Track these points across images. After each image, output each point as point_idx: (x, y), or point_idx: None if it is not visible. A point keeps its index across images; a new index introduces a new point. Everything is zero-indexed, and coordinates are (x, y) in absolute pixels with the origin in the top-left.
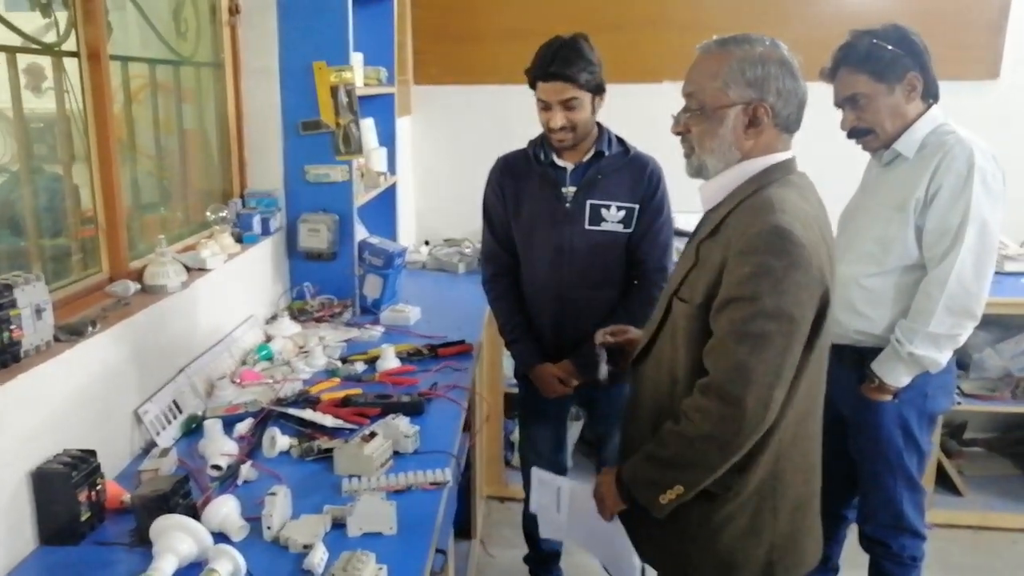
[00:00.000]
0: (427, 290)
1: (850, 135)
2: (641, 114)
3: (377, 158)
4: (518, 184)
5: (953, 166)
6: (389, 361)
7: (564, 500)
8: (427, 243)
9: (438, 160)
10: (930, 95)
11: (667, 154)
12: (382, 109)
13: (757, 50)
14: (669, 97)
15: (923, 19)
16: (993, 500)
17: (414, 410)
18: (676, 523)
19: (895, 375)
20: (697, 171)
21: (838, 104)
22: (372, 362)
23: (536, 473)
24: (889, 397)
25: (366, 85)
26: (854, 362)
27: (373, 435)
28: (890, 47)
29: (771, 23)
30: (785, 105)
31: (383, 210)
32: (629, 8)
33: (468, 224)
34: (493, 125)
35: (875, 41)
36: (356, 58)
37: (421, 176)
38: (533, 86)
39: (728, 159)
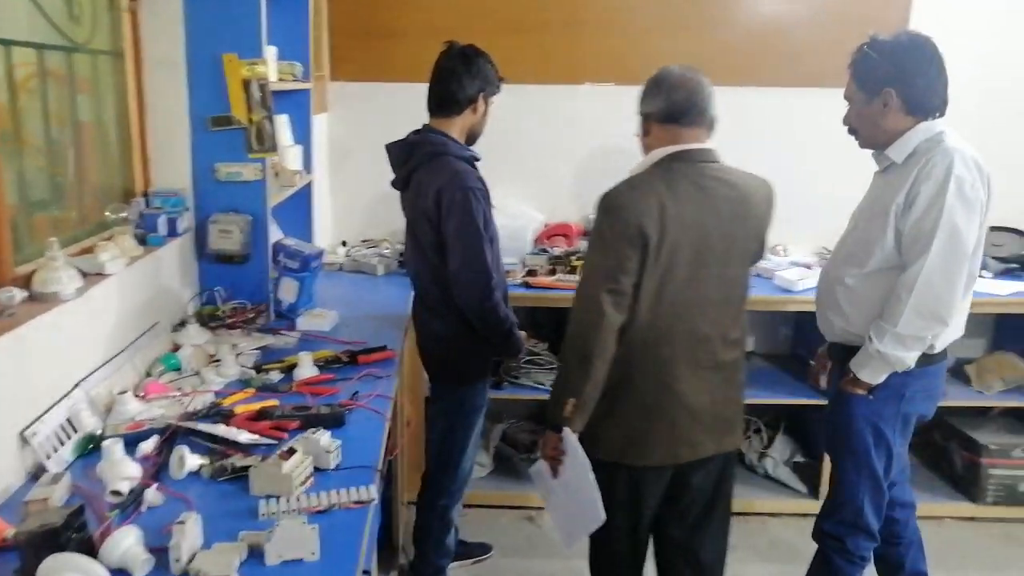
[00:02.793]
0: (345, 293)
1: (848, 131)
2: (560, 114)
3: (292, 156)
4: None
5: (932, 173)
6: (307, 369)
7: (543, 470)
8: (344, 244)
9: (356, 159)
10: (920, 110)
11: (584, 154)
12: (297, 106)
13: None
14: (589, 98)
15: (829, 26)
16: None
17: (335, 422)
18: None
19: (867, 371)
20: None
21: (845, 99)
22: (289, 371)
23: (531, 471)
24: (863, 392)
25: (280, 80)
26: (840, 359)
27: (292, 451)
28: (877, 59)
29: (691, 27)
30: (653, 111)
31: (298, 210)
32: (550, 9)
33: (387, 224)
34: (412, 124)
35: (866, 50)
36: (269, 51)
37: (338, 175)
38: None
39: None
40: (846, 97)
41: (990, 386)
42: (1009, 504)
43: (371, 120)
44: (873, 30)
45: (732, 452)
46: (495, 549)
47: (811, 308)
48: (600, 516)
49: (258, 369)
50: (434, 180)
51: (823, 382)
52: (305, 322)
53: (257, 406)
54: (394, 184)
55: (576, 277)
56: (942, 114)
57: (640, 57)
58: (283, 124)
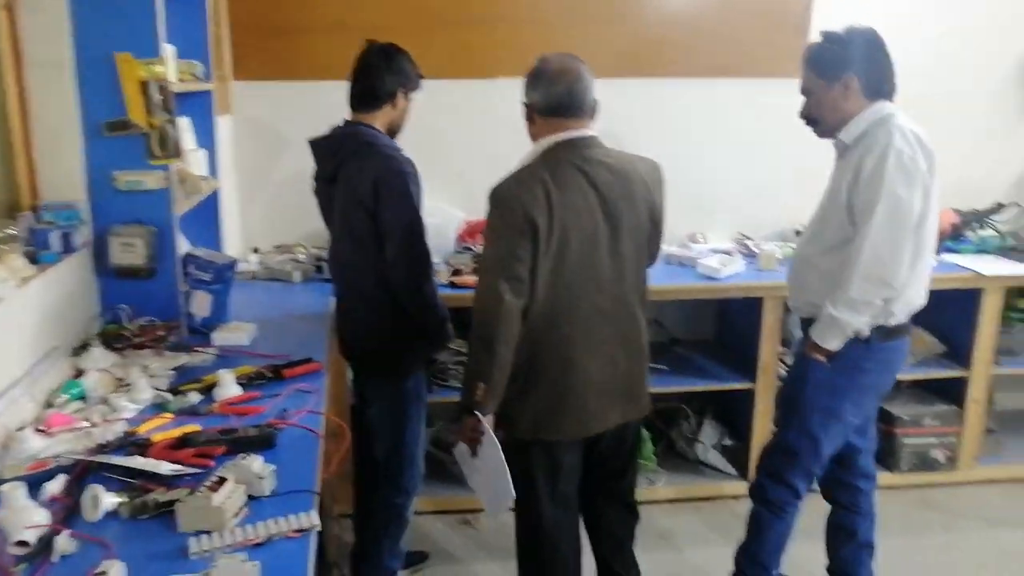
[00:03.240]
0: (261, 303)
1: (806, 122)
2: (475, 109)
3: (197, 161)
4: None
5: (873, 148)
6: (228, 388)
7: (465, 451)
8: (256, 251)
9: (263, 162)
10: (875, 93)
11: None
12: (199, 108)
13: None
14: (504, 93)
15: (733, 18)
16: None
17: (265, 444)
18: None
19: (823, 337)
20: None
21: (800, 92)
22: (208, 391)
23: (455, 451)
24: (822, 358)
25: (181, 81)
26: (806, 330)
27: (222, 480)
28: (834, 48)
29: (602, 21)
30: (535, 102)
31: (204, 219)
32: (462, 4)
33: (299, 228)
34: (321, 124)
35: (820, 42)
36: (167, 50)
37: (245, 180)
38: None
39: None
40: (803, 90)
41: None
42: (922, 471)
43: (278, 121)
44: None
45: (639, 419)
46: (432, 556)
47: (736, 295)
48: (511, 493)
49: (174, 391)
50: (370, 167)
51: None
52: (222, 337)
53: (177, 432)
54: (318, 178)
55: None
56: (891, 97)
57: (554, 49)
58: (186, 128)
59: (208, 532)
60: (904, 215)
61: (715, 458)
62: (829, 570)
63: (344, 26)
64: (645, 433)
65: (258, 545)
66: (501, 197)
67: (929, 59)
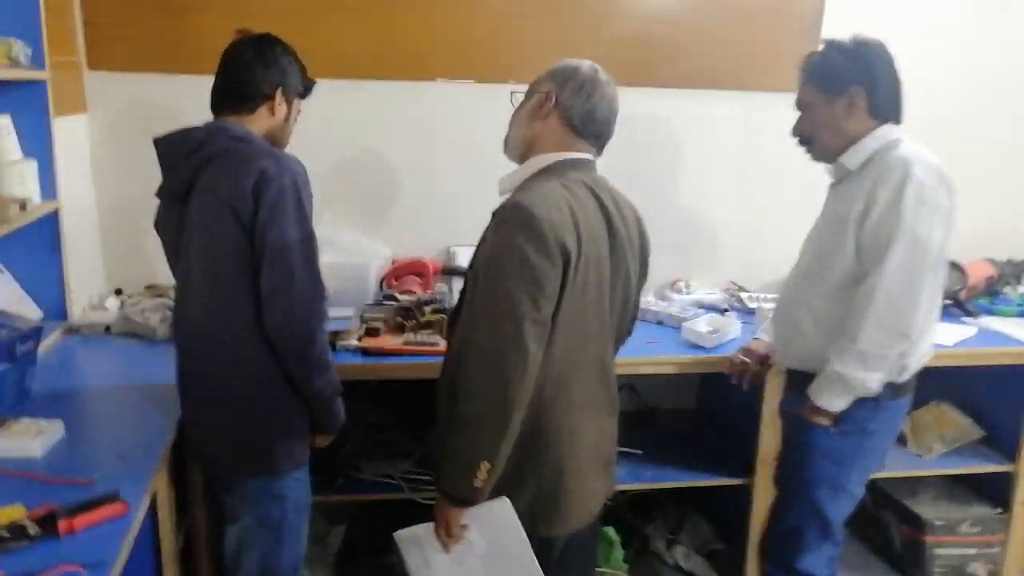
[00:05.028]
0: (98, 374)
1: (799, 142)
2: (408, 118)
3: (17, 176)
4: None
5: (889, 180)
6: None
7: (430, 543)
8: (119, 293)
9: (132, 177)
10: (881, 113)
11: (441, 169)
12: (27, 104)
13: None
14: (445, 99)
15: (729, 19)
16: None
17: None
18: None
19: (826, 397)
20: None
21: (795, 106)
22: None
23: (397, 537)
24: (827, 422)
25: None
26: (798, 385)
27: None
28: (840, 59)
29: (564, 13)
30: (573, 108)
31: (38, 250)
32: None
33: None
34: None
35: (824, 51)
36: None
37: (108, 200)
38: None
39: (521, 149)
40: (799, 104)
41: (929, 448)
42: None
43: (151, 124)
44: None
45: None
46: None
47: (723, 369)
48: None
49: None
50: (248, 165)
51: (746, 384)
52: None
53: None
54: (164, 195)
55: (430, 335)
56: (898, 120)
57: (505, 48)
58: (3, 130)
59: None
60: (923, 256)
61: (698, 566)
62: None
63: (243, 5)
64: (612, 534)
65: None
66: (526, 218)
67: (957, 78)
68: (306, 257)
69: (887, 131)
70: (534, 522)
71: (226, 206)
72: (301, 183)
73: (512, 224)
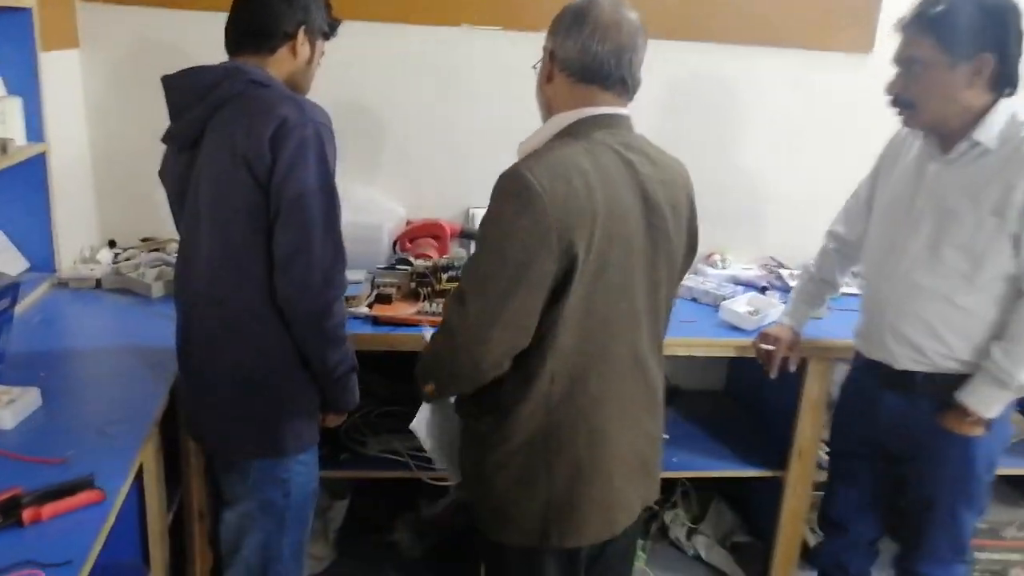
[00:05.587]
0: (85, 335)
1: (893, 103)
2: (430, 67)
3: (3, 114)
4: None
5: None
6: None
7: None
8: (112, 245)
9: (130, 120)
10: (1004, 85)
11: (464, 124)
12: (9, 34)
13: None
14: (472, 45)
15: None
16: None
17: None
18: (462, 467)
19: (989, 405)
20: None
21: (895, 60)
22: None
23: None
24: (982, 431)
25: None
26: (930, 391)
27: None
28: (977, 17)
29: None
30: (568, 56)
31: (24, 197)
32: None
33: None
34: None
35: (958, 4)
36: None
37: (102, 144)
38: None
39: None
40: (904, 60)
41: None
42: None
43: (154, 64)
44: None
45: (649, 505)
46: None
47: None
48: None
49: None
50: (267, 113)
51: (775, 371)
52: None
53: None
54: (171, 140)
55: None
56: (1014, 92)
57: None
58: None
59: None
60: None
61: (721, 559)
62: None
63: None
64: None
65: None
66: (521, 188)
67: None
68: (327, 218)
69: (1009, 104)
70: (547, 529)
71: (239, 157)
72: (326, 136)
73: (505, 194)
